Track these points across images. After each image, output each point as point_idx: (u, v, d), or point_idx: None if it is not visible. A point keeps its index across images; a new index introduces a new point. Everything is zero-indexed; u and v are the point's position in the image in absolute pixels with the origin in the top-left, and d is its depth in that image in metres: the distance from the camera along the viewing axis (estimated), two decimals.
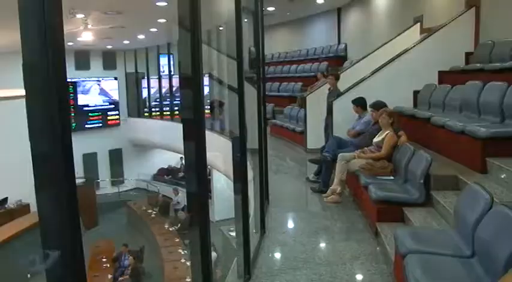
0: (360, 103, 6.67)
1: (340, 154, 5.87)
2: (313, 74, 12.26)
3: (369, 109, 6.42)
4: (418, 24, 8.94)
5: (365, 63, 8.65)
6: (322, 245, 4.71)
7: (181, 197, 15.88)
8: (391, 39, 8.99)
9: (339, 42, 14.18)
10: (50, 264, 1.35)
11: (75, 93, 18.83)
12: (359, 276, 3.91)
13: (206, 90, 15.52)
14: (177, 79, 18.94)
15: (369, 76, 7.42)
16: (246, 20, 6.65)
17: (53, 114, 1.25)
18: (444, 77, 6.88)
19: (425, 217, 4.26)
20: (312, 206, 6.05)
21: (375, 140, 5.71)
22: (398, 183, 4.97)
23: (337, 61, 13.15)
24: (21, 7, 1.23)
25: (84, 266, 1.45)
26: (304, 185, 6.73)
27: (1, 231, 11.99)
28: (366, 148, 5.81)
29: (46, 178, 1.32)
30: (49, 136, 1.27)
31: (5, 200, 14.68)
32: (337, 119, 7.32)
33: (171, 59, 18.81)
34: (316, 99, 8.43)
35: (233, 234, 11.29)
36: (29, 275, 8.38)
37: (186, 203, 15.46)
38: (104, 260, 11.80)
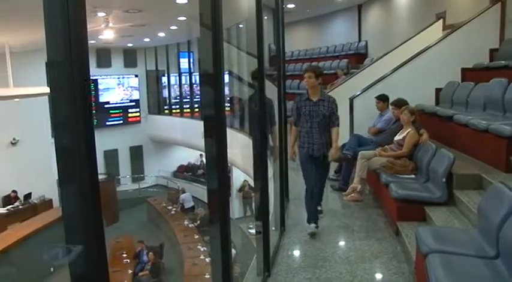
0: (383, 99, 6.60)
1: (361, 152, 5.83)
2: (333, 71, 12.18)
3: (390, 107, 6.35)
4: (441, 20, 8.81)
5: (386, 61, 8.55)
6: (342, 243, 4.68)
7: (187, 196, 16.02)
8: (412, 36, 8.87)
9: (360, 40, 14.06)
10: (73, 258, 1.36)
11: (97, 90, 19.06)
12: (379, 276, 3.88)
13: (226, 87, 15.59)
14: (197, 76, 19.08)
15: (390, 74, 7.34)
16: (266, 17, 6.65)
17: (76, 110, 1.27)
18: (467, 74, 6.76)
19: (447, 216, 4.20)
20: (332, 204, 6.01)
21: (396, 138, 5.65)
22: (420, 182, 4.91)
23: (357, 58, 13.06)
24: (46, 6, 1.25)
25: (106, 261, 1.46)
26: None
27: (26, 225, 12.20)
28: (386, 146, 5.76)
29: (69, 174, 1.34)
30: (72, 132, 1.28)
31: (29, 195, 14.97)
32: (357, 117, 7.26)
33: (191, 56, 18.90)
34: (337, 97, 8.35)
35: (252, 231, 11.32)
36: (52, 269, 8.54)
37: (193, 203, 15.63)
38: (124, 255, 11.93)
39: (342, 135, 7.02)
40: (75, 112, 1.28)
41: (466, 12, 7.71)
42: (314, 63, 10.16)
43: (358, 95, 7.39)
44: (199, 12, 2.40)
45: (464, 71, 6.84)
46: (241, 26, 11.14)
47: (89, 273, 1.40)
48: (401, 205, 4.55)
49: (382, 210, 5.37)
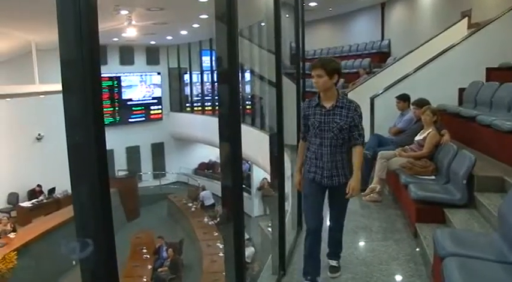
0: (404, 98, 6.51)
1: (381, 152, 5.76)
2: (355, 70, 12.08)
3: (411, 106, 6.26)
4: (466, 18, 8.64)
5: (408, 60, 8.43)
6: (360, 244, 4.63)
7: (208, 193, 16.08)
8: (436, 35, 8.73)
9: (383, 38, 13.91)
10: (83, 253, 1.38)
11: (119, 87, 19.29)
12: (396, 278, 3.83)
13: (248, 85, 15.61)
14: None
15: (412, 73, 7.23)
16: (287, 16, 6.62)
17: (87, 109, 1.28)
18: (492, 74, 6.61)
19: (467, 219, 4.12)
20: (351, 204, 5.89)
21: (417, 138, 5.56)
22: (440, 184, 4.82)
23: (380, 57, 12.93)
24: (59, 6, 1.27)
25: (115, 257, 1.47)
26: None
27: (50, 219, 12.45)
28: (407, 146, 5.68)
29: (80, 171, 1.35)
30: (83, 130, 1.30)
31: (53, 189, 15.28)
32: (378, 117, 7.18)
33: (213, 54, 18.98)
34: (358, 96, 8.29)
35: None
36: (74, 262, 8.69)
37: (213, 200, 15.70)
38: (144, 251, 12.07)
39: None
40: (86, 110, 1.30)
41: (492, 10, 7.55)
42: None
43: (380, 94, 7.32)
44: (215, 10, 2.40)
45: (489, 70, 6.70)
46: (263, 24, 11.12)
47: (99, 268, 1.41)
48: (421, 206, 4.48)
49: (401, 211, 5.30)
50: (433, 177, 5.06)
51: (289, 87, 5.26)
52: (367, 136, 6.67)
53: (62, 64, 1.30)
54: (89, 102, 1.30)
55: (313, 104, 3.52)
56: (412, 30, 12.07)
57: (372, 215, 5.34)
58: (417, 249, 4.23)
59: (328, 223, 3.82)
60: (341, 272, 3.82)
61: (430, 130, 5.36)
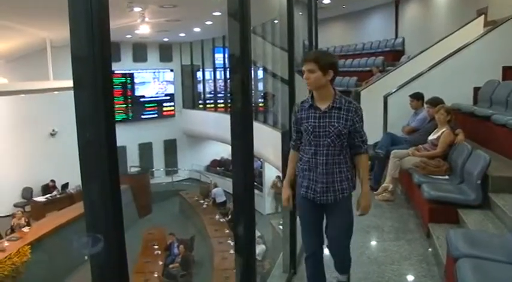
0: (417, 97, 6.45)
1: (394, 151, 5.71)
2: (368, 68, 12.00)
3: (425, 105, 6.20)
4: (482, 16, 8.52)
5: (423, 58, 8.34)
6: (372, 243, 4.60)
7: (219, 191, 16.09)
8: (451, 33, 8.62)
9: (396, 36, 13.80)
10: (94, 249, 1.39)
11: (132, 84, 19.39)
12: (408, 278, 3.79)
13: (260, 83, 15.59)
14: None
15: (426, 71, 7.16)
16: (300, 13, 6.59)
17: (98, 105, 1.28)
18: (509, 72, 6.51)
19: (481, 220, 4.07)
20: None
21: (430, 137, 5.51)
22: (454, 183, 4.77)
23: (393, 55, 12.82)
24: (70, 3, 1.27)
25: (125, 253, 1.48)
26: None
27: (63, 214, 12.58)
28: (420, 146, 5.63)
29: (91, 168, 1.36)
30: (94, 127, 1.30)
31: (66, 185, 15.44)
32: (391, 115, 7.12)
33: (226, 51, 18.98)
34: (371, 94, 8.23)
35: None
36: (86, 257, 8.78)
37: (225, 198, 15.72)
38: (156, 247, 12.13)
39: (375, 134, 7.01)
40: (97, 107, 1.30)
41: (509, 8, 7.42)
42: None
43: (393, 92, 7.25)
44: (227, 7, 2.39)
45: (505, 69, 6.60)
46: (276, 21, 11.10)
47: (108, 263, 1.42)
48: (434, 206, 4.44)
49: (413, 211, 5.25)
50: (447, 177, 5.01)
51: (301, 85, 5.23)
52: (380, 135, 6.68)
53: (73, 61, 1.31)
54: (99, 99, 1.30)
55: (306, 106, 3.00)
56: (427, 28, 11.94)
57: (384, 215, 5.30)
58: (430, 250, 4.19)
59: (328, 245, 3.15)
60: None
61: (444, 129, 5.30)
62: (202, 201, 16.10)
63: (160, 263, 11.41)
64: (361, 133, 2.97)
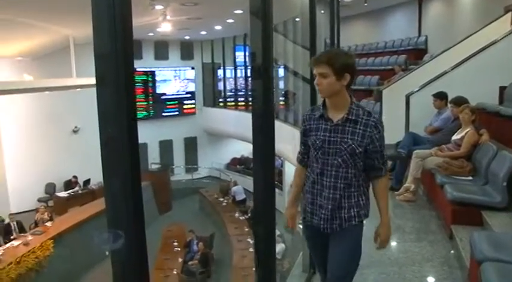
0: (441, 96, 6.35)
1: (416, 151, 5.63)
2: (390, 67, 11.87)
3: (448, 105, 6.10)
4: (510, 13, 8.33)
5: (446, 57, 8.20)
6: (392, 244, 4.54)
7: (239, 189, 16.10)
8: (477, 31, 8.45)
9: (419, 35, 13.60)
10: (114, 245, 1.39)
11: (154, 81, 19.55)
12: (429, 280, 3.74)
13: (281, 81, 15.56)
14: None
15: (450, 70, 7.03)
16: (322, 11, 6.54)
17: (120, 102, 1.28)
18: None
19: (507, 223, 3.98)
20: None
21: (454, 137, 5.41)
22: (478, 185, 4.67)
23: (416, 54, 12.65)
24: (94, 1, 1.27)
25: (145, 251, 1.48)
26: None
27: (85, 210, 12.76)
28: (443, 146, 5.53)
29: (112, 164, 1.36)
30: (116, 124, 1.30)
31: (88, 181, 15.67)
32: (414, 115, 7.02)
33: (247, 49, 19.00)
34: (393, 93, 8.14)
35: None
36: (107, 253, 8.89)
37: (245, 196, 15.73)
38: (175, 244, 12.22)
39: (397, 134, 6.93)
40: (119, 104, 1.30)
41: None
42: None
43: (416, 91, 7.15)
44: (249, 4, 2.38)
45: None
46: (297, 19, 11.05)
47: (129, 260, 1.42)
48: (457, 208, 4.36)
49: (435, 212, 5.17)
50: (470, 178, 4.91)
51: None
52: (401, 134, 6.60)
53: (96, 58, 1.31)
54: (122, 96, 1.29)
55: (316, 115, 2.54)
56: (451, 26, 11.75)
57: (405, 215, 5.24)
58: (452, 252, 4.11)
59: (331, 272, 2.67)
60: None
61: (468, 129, 5.20)
62: (221, 199, 16.16)
63: (180, 259, 11.49)
64: (381, 153, 2.50)
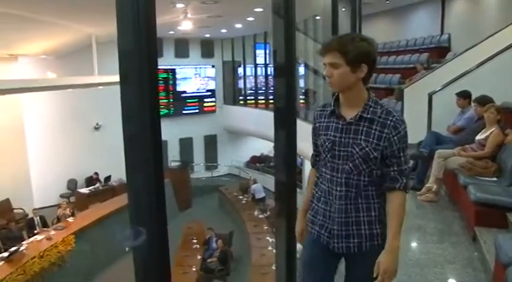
0: (464, 96, 6.25)
1: (438, 151, 5.54)
2: (412, 65, 11.72)
3: (472, 104, 5.99)
4: None
5: (470, 55, 8.04)
6: (413, 244, 4.48)
7: (259, 187, 16.08)
8: (502, 28, 8.28)
9: (442, 33, 13.39)
10: (137, 241, 1.40)
11: (174, 79, 19.67)
12: None
13: (302, 79, 15.50)
14: (272, 68, 19.17)
15: (474, 69, 6.91)
16: (343, 9, 6.49)
17: (143, 100, 1.29)
18: None
19: None
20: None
21: (478, 137, 5.31)
22: (503, 186, 4.57)
23: (439, 52, 12.46)
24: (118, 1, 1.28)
25: (167, 245, 1.48)
26: None
27: (105, 206, 12.92)
28: (467, 146, 5.44)
29: (136, 161, 1.37)
30: (139, 121, 1.31)
31: (109, 177, 15.87)
32: (436, 114, 6.92)
33: (267, 47, 18.98)
34: (415, 92, 8.03)
35: None
36: (127, 249, 8.98)
37: (264, 194, 15.70)
38: (195, 241, 12.28)
39: (419, 133, 6.83)
40: (143, 102, 1.30)
41: None
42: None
43: (438, 90, 7.05)
44: (272, 3, 2.37)
45: None
46: (318, 17, 10.99)
47: (151, 256, 1.43)
48: (481, 209, 4.27)
49: (458, 213, 5.08)
50: (495, 178, 4.82)
51: None
52: (423, 133, 6.50)
53: (119, 56, 1.32)
54: (145, 94, 1.30)
55: (327, 112, 2.16)
56: (475, 23, 11.53)
57: (426, 216, 5.16)
58: (476, 254, 4.03)
59: None
60: None
61: (493, 129, 5.10)
62: (241, 197, 16.17)
63: (199, 257, 11.54)
64: (399, 160, 2.05)
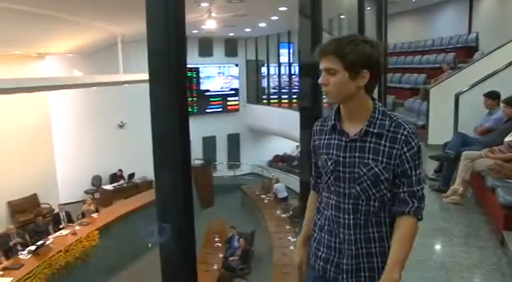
0: (493, 96, 6.13)
1: (465, 152, 5.44)
2: (438, 65, 11.53)
3: (501, 105, 5.87)
4: None
5: (499, 55, 7.88)
6: (438, 247, 4.42)
7: (281, 186, 16.04)
8: None
9: (470, 32, 13.14)
10: (164, 237, 1.41)
11: (198, 78, 19.78)
12: None
13: None
14: (296, 67, 19.12)
15: (503, 69, 6.77)
16: (368, 8, 6.43)
17: (172, 99, 1.30)
18: None
19: None
20: (430, 205, 5.69)
21: (507, 139, 5.19)
22: None
23: (466, 52, 12.22)
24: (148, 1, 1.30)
25: (194, 242, 1.49)
26: None
27: (129, 203, 13.08)
28: (495, 147, 5.32)
29: (164, 158, 1.38)
30: (168, 119, 1.32)
31: (133, 175, 16.06)
32: (463, 115, 6.81)
33: (291, 47, 18.93)
34: (441, 92, 7.92)
35: None
36: (149, 245, 9.09)
37: (287, 193, 15.65)
38: (217, 239, 12.34)
39: (446, 134, 6.72)
40: (172, 100, 1.32)
41: None
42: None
43: (465, 91, 6.93)
44: (298, 2, 2.36)
45: None
46: (342, 17, 10.92)
47: (178, 253, 1.44)
48: (510, 213, 4.17)
49: (485, 217, 4.98)
50: None
51: None
52: (450, 134, 6.40)
53: (149, 55, 1.33)
54: (174, 93, 1.31)
55: (328, 126, 1.86)
56: (504, 22, 11.28)
57: (452, 219, 5.07)
58: (504, 259, 3.95)
59: None
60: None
61: None
62: (263, 196, 16.18)
63: (221, 255, 11.59)
64: (410, 179, 1.76)
